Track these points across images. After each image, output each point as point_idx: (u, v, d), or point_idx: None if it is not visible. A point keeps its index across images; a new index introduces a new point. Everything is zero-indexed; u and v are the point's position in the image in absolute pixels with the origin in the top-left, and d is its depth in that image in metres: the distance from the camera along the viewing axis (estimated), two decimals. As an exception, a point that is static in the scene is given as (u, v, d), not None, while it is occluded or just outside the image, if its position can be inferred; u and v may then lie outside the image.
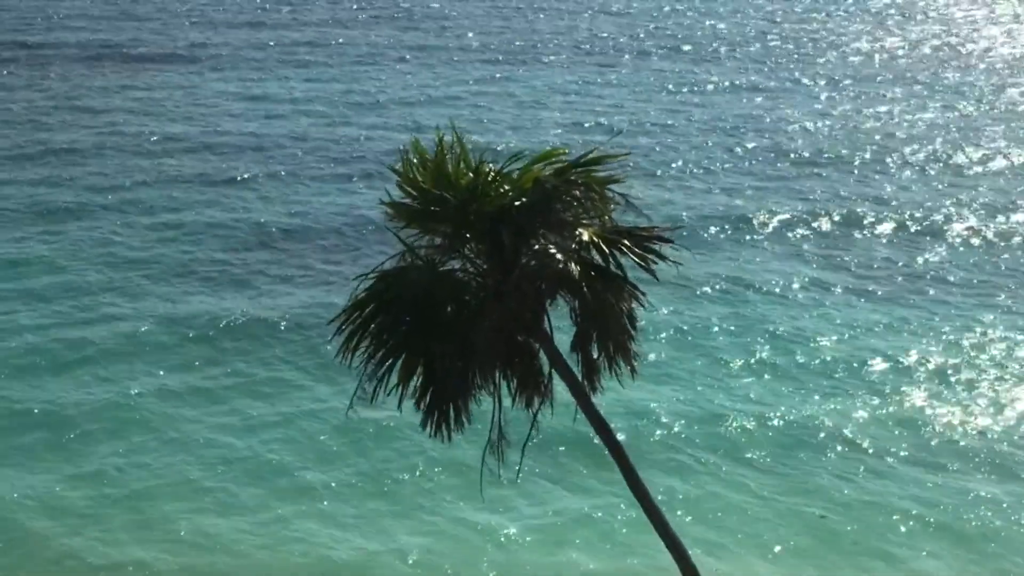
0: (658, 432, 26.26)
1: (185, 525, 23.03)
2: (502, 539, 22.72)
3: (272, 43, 62.41)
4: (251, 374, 28.85)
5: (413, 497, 24.02)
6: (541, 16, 71.98)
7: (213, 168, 43.01)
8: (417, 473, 24.59)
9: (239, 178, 41.95)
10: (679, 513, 23.09)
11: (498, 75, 57.12)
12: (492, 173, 12.40)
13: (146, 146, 44.92)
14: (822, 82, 57.33)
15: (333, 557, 22.29)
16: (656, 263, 12.60)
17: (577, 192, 12.46)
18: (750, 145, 46.80)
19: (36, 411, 26.72)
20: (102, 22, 66.30)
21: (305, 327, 30.54)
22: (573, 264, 12.28)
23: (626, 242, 12.44)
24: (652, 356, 28.90)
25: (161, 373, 28.58)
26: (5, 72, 54.80)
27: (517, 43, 63.89)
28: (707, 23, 70.56)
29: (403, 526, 23.18)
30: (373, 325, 12.22)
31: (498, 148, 37.75)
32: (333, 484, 24.38)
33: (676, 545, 12.25)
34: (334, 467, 25.03)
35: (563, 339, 12.59)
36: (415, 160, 12.43)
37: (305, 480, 24.57)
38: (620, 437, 24.40)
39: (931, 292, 33.97)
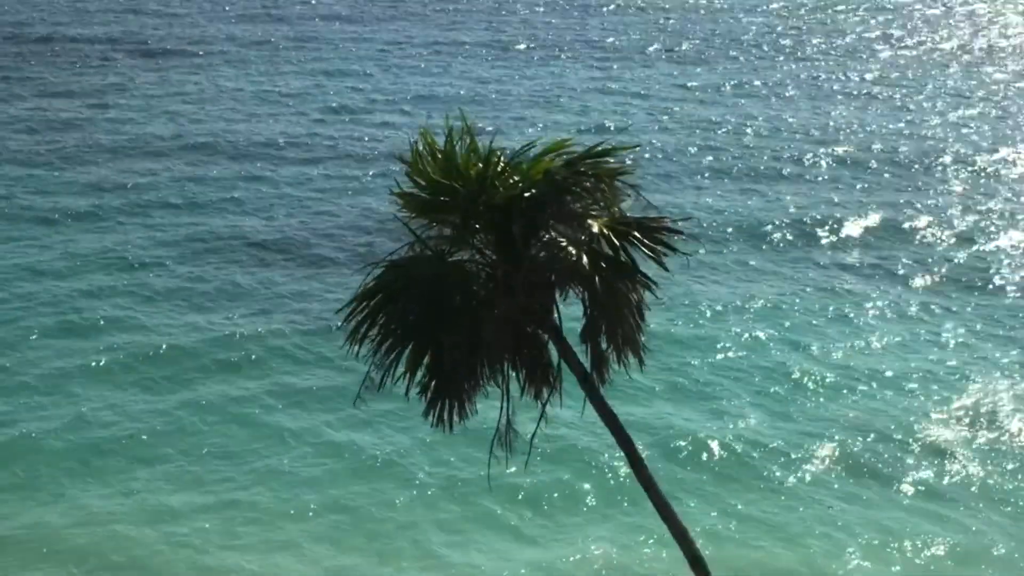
0: (692, 440, 26.24)
1: (209, 542, 22.91)
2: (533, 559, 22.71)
3: (285, 39, 62.56)
4: (274, 379, 28.72)
5: (446, 513, 24.01)
6: (556, 11, 71.84)
7: (228, 166, 43.09)
8: (456, 490, 24.57)
9: (255, 175, 42.04)
10: (713, 514, 23.20)
11: (514, 72, 57.05)
12: (502, 164, 12.36)
13: (160, 145, 45.00)
14: (851, 82, 56.97)
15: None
16: (667, 254, 12.54)
17: (587, 183, 12.41)
18: (777, 146, 46.52)
19: (50, 424, 26.36)
20: (111, 17, 66.49)
21: (327, 327, 30.29)
22: (583, 255, 12.22)
23: (636, 233, 12.39)
24: (678, 368, 28.92)
25: (184, 381, 28.39)
26: (16, 69, 54.94)
27: (534, 39, 63.79)
28: (729, 21, 70.29)
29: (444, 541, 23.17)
30: (381, 315, 12.21)
31: (512, 148, 37.58)
32: (368, 499, 24.32)
33: (683, 534, 12.21)
34: (369, 480, 25.00)
35: (571, 331, 12.55)
36: (425, 150, 12.39)
37: (342, 493, 24.54)
38: (645, 443, 24.63)
39: (975, 296, 33.60)
